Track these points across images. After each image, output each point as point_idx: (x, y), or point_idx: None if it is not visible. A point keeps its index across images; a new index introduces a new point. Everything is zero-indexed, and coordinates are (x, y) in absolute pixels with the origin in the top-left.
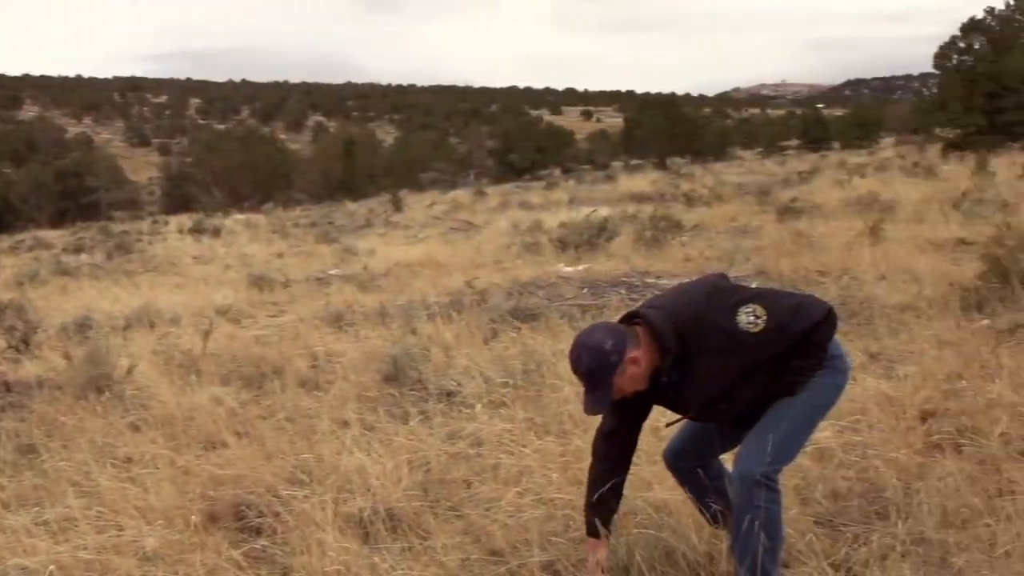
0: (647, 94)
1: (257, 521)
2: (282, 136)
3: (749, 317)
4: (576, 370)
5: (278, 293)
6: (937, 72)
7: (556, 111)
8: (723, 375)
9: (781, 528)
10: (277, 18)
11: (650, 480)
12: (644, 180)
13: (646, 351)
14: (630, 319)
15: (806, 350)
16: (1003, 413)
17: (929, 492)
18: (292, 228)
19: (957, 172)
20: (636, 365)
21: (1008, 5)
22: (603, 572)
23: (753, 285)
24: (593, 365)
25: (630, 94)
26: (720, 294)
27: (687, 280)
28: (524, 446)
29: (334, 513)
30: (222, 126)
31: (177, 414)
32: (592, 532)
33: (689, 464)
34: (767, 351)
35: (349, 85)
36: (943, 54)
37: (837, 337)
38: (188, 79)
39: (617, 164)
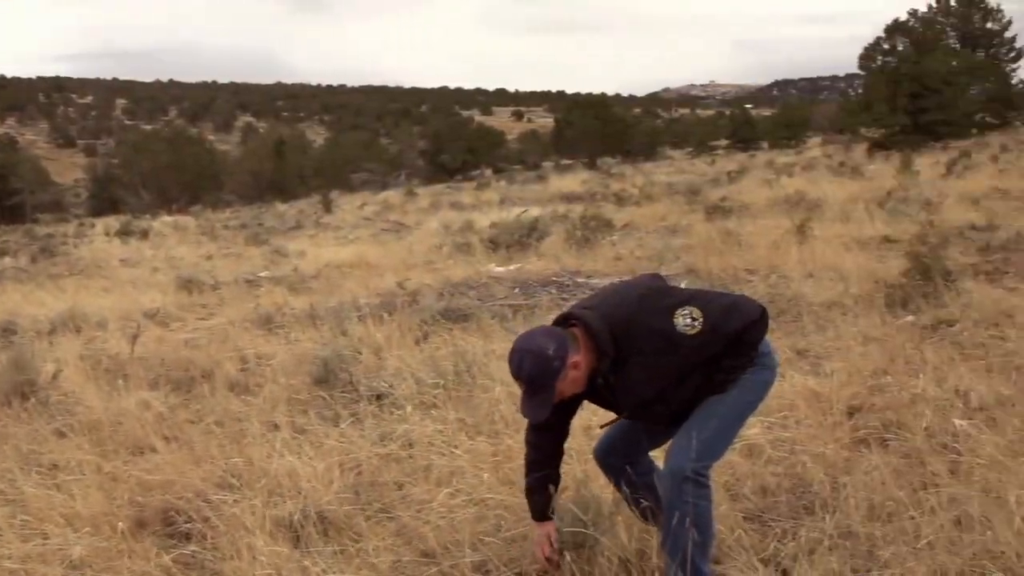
0: (578, 94)
1: (186, 527)
2: (211, 137)
3: (686, 320)
4: (517, 376)
5: (207, 296)
6: (862, 73)
7: (487, 111)
8: (659, 377)
9: (712, 524)
10: (203, 18)
11: (581, 477)
12: (575, 180)
13: (585, 354)
14: (565, 320)
15: (738, 349)
16: (927, 407)
17: (856, 486)
18: (221, 230)
19: (882, 171)
20: (577, 369)
21: (930, 7)
22: (554, 544)
23: (683, 284)
24: (535, 371)
25: (561, 94)
26: (654, 296)
27: (619, 280)
28: (456, 447)
29: (264, 517)
30: (149, 127)
31: (104, 419)
32: (537, 516)
33: (618, 461)
34: (703, 353)
35: (279, 85)
36: (868, 55)
37: (767, 336)
38: (114, 79)
39: (548, 164)
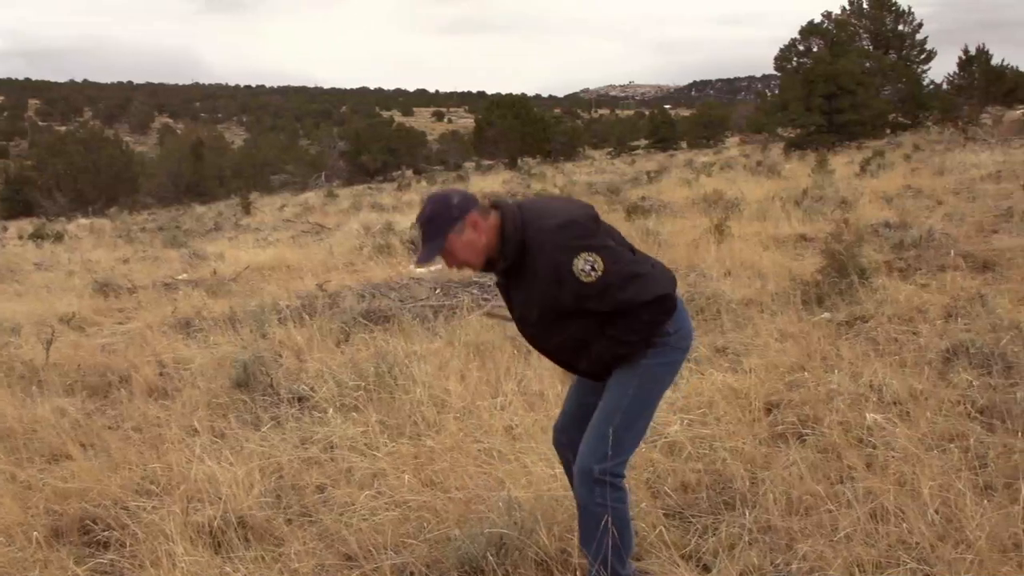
0: (498, 95)
1: (104, 535)
2: (127, 138)
3: (586, 266)
4: (418, 218)
5: (124, 300)
6: (778, 74)
7: (407, 112)
8: (542, 304)
9: (628, 525)
10: (116, 17)
11: (503, 478)
12: (496, 180)
13: (489, 229)
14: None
15: (629, 324)
16: (842, 403)
17: (774, 481)
18: (138, 233)
19: (798, 170)
20: (475, 231)
21: (844, 10)
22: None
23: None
24: (433, 213)
25: (481, 95)
26: (575, 228)
27: (563, 196)
28: (377, 449)
29: (184, 523)
30: (64, 128)
31: (18, 427)
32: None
33: (566, 439)
34: (586, 304)
35: (196, 86)
36: (783, 56)
37: (685, 310)
38: (27, 79)
39: (469, 164)
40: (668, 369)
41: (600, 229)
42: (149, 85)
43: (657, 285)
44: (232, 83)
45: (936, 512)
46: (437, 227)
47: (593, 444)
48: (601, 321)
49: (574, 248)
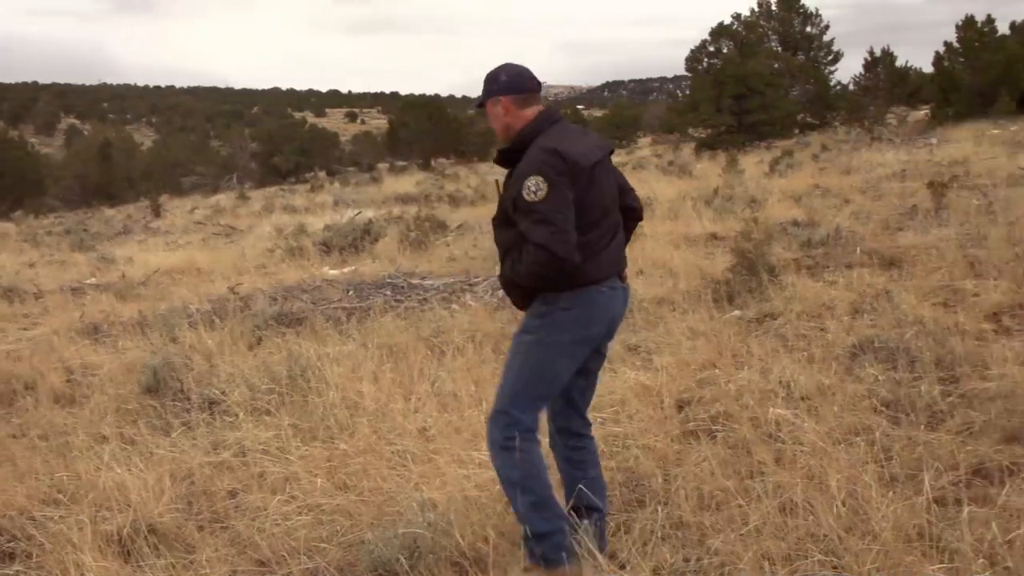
0: (411, 95)
1: (10, 546)
2: (32, 140)
3: (533, 186)
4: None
5: (30, 305)
6: (689, 75)
7: (320, 113)
8: (503, 199)
9: (537, 480)
10: (22, 16)
11: (417, 481)
12: (409, 181)
13: (517, 118)
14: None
15: (521, 256)
16: (752, 399)
17: (686, 477)
18: (45, 236)
19: (709, 170)
20: (502, 109)
21: (753, 12)
22: None
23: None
24: (489, 77)
25: (394, 95)
26: (554, 157)
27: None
28: (289, 453)
29: (93, 532)
30: None
31: None
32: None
33: (559, 424)
34: (515, 215)
35: (104, 86)
36: (694, 57)
37: (602, 304)
38: None
39: (382, 166)
40: (554, 344)
41: (571, 172)
42: (55, 85)
43: (552, 238)
44: (141, 83)
45: (843, 504)
46: (484, 89)
47: (493, 412)
48: (517, 241)
49: (539, 170)
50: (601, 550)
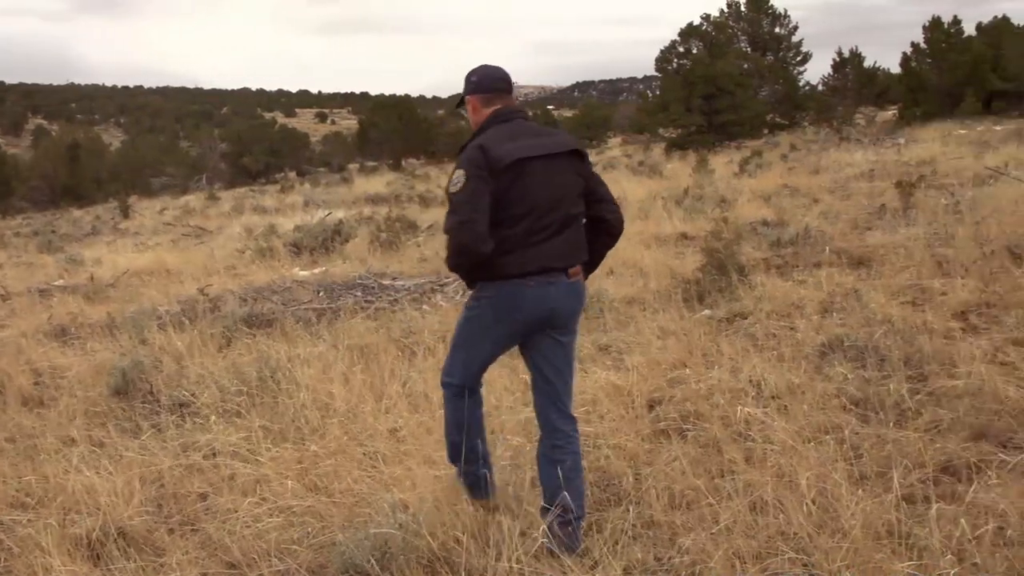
0: (381, 96)
1: None
2: None
3: (456, 178)
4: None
5: None
6: (659, 75)
7: (290, 113)
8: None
9: (451, 429)
10: None
11: (388, 482)
12: (380, 182)
13: (476, 112)
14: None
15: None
16: (723, 398)
17: (657, 477)
18: (12, 238)
19: (679, 170)
20: (469, 106)
21: (722, 12)
22: None
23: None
24: (465, 77)
25: (364, 96)
26: (477, 153)
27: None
28: (260, 455)
29: (61, 536)
30: None
31: None
32: None
33: (539, 423)
34: None
35: (71, 86)
36: (664, 58)
37: (520, 294)
38: None
39: (353, 166)
40: (477, 324)
41: (491, 167)
42: (23, 85)
43: (458, 227)
44: (109, 83)
45: (813, 503)
46: (464, 83)
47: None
48: None
49: (464, 164)
50: (574, 550)
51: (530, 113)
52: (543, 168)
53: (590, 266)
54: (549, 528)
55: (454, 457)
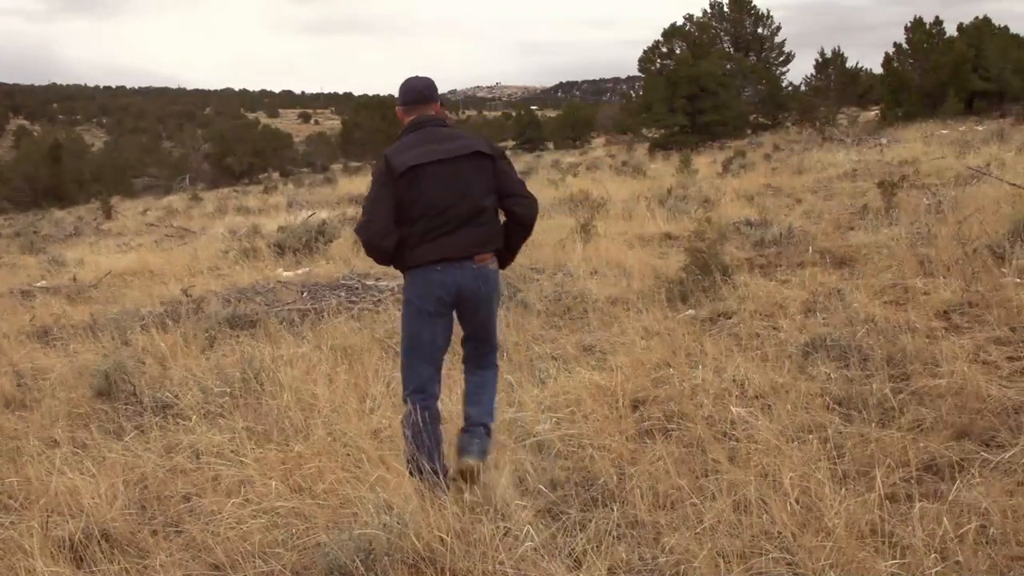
0: (364, 96)
1: None
2: None
3: (369, 183)
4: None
5: None
6: (642, 75)
7: (273, 113)
8: None
9: (406, 436)
10: None
11: (372, 483)
12: (363, 182)
13: (401, 120)
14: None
15: None
16: (706, 397)
17: (641, 476)
18: None
19: (663, 170)
20: (399, 115)
21: (705, 12)
22: None
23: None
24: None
25: (348, 96)
26: (380, 161)
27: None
28: (244, 456)
29: (44, 538)
30: None
31: None
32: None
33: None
34: None
35: (53, 87)
36: (647, 58)
37: (420, 283)
38: None
39: (336, 166)
40: (410, 311)
41: (390, 174)
42: (3, 86)
43: (361, 224)
44: (91, 84)
45: (797, 502)
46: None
47: None
48: None
49: (374, 172)
50: (484, 455)
51: (513, 114)
52: (440, 172)
53: (507, 252)
54: (459, 439)
55: (416, 460)
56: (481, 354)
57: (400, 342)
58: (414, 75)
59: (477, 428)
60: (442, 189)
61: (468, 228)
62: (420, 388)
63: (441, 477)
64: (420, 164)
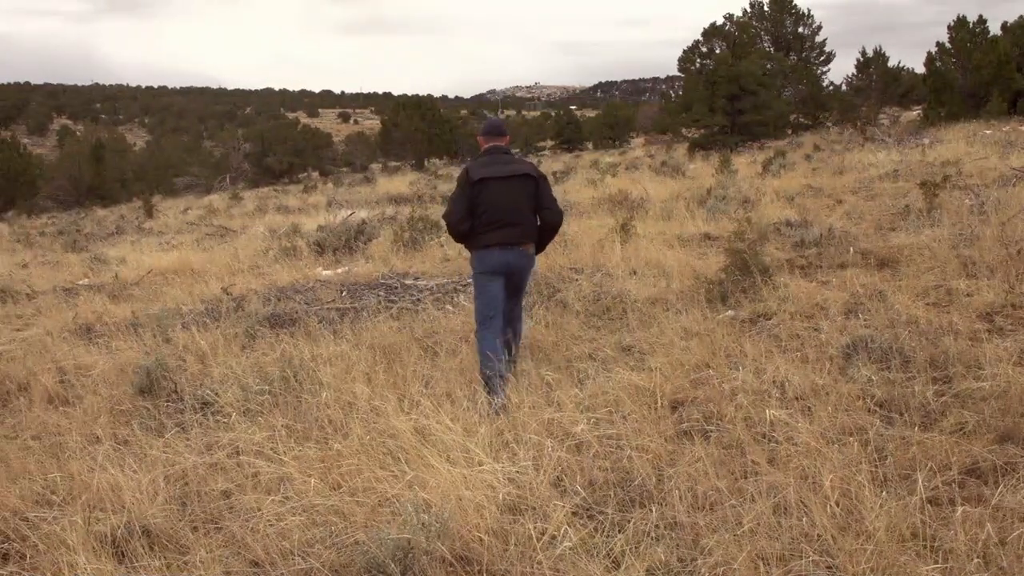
0: (404, 96)
1: (3, 547)
2: (25, 140)
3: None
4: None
5: (23, 306)
6: (682, 75)
7: (313, 113)
8: None
9: (482, 353)
10: (12, 16)
11: (411, 481)
12: (402, 181)
13: (481, 145)
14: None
15: None
16: (746, 399)
17: (680, 478)
18: (38, 237)
19: (702, 170)
20: (479, 141)
21: (745, 12)
22: None
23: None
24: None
25: (387, 96)
26: (464, 172)
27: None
28: (283, 453)
29: (86, 533)
30: None
31: None
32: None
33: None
34: None
35: (96, 87)
36: (687, 58)
37: (487, 260)
38: None
39: (375, 166)
40: (476, 277)
41: (468, 181)
42: (48, 86)
43: (446, 215)
44: (133, 84)
45: (837, 505)
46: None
47: None
48: None
49: (458, 178)
50: (511, 363)
51: (552, 114)
52: (500, 185)
53: (540, 245)
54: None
55: (481, 367)
56: (517, 304)
57: (474, 301)
58: (494, 115)
59: (514, 353)
60: (500, 197)
61: (514, 225)
62: (484, 322)
63: (493, 385)
64: (487, 178)
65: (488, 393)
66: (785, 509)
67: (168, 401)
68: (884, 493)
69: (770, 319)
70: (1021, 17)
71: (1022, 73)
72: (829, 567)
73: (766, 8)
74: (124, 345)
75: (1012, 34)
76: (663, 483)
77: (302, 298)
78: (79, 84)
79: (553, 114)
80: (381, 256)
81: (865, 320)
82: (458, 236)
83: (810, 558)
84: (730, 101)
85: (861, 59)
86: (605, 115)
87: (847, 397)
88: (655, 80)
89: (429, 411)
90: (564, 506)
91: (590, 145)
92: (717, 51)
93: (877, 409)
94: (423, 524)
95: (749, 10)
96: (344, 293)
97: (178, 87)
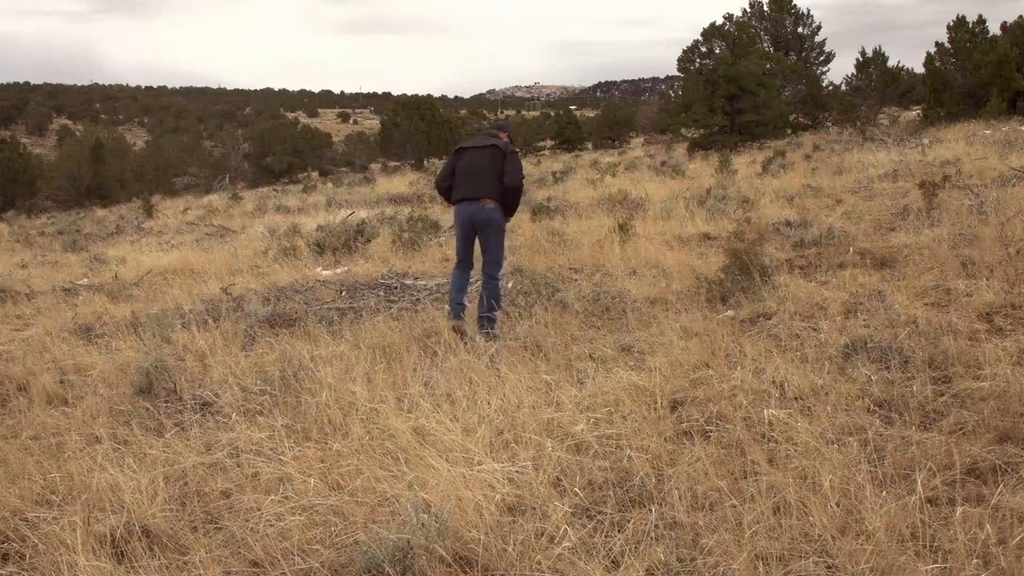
0: (404, 95)
1: (2, 547)
2: (24, 140)
3: None
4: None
5: (22, 305)
6: (682, 75)
7: (312, 113)
8: None
9: (452, 286)
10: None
11: (410, 481)
12: (402, 181)
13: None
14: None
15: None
16: (745, 399)
17: (680, 478)
18: (37, 237)
19: (701, 170)
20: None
21: (745, 12)
22: None
23: (509, 284)
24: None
25: (387, 96)
26: (456, 147)
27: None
28: (283, 453)
29: (86, 533)
30: None
31: None
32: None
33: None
34: None
35: (95, 87)
36: (686, 58)
37: (455, 209)
38: None
39: (375, 166)
40: (455, 226)
41: (454, 151)
42: (47, 86)
43: (437, 179)
44: (133, 84)
45: (837, 505)
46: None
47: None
48: None
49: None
50: (486, 320)
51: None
52: (472, 153)
53: (507, 207)
54: (478, 322)
55: (450, 300)
56: (489, 264)
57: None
58: (499, 117)
59: (481, 318)
60: (471, 161)
61: (477, 181)
62: (456, 263)
63: (454, 308)
64: (465, 147)
65: (449, 314)
66: (785, 509)
67: (168, 401)
68: (884, 493)
69: (770, 319)
70: (1021, 17)
71: (1021, 73)
72: (829, 567)
73: (766, 8)
74: (124, 345)
75: (1011, 34)
76: (663, 483)
77: (302, 298)
78: (79, 84)
79: (553, 114)
80: (380, 256)
81: (864, 320)
82: (441, 192)
83: (810, 558)
84: (730, 101)
85: (860, 59)
86: (605, 115)
87: (846, 397)
88: (655, 80)
89: (429, 411)
90: (564, 506)
91: (590, 145)
92: (717, 51)
93: (876, 409)
94: (423, 524)
95: (749, 10)
96: (343, 293)
97: (177, 87)
